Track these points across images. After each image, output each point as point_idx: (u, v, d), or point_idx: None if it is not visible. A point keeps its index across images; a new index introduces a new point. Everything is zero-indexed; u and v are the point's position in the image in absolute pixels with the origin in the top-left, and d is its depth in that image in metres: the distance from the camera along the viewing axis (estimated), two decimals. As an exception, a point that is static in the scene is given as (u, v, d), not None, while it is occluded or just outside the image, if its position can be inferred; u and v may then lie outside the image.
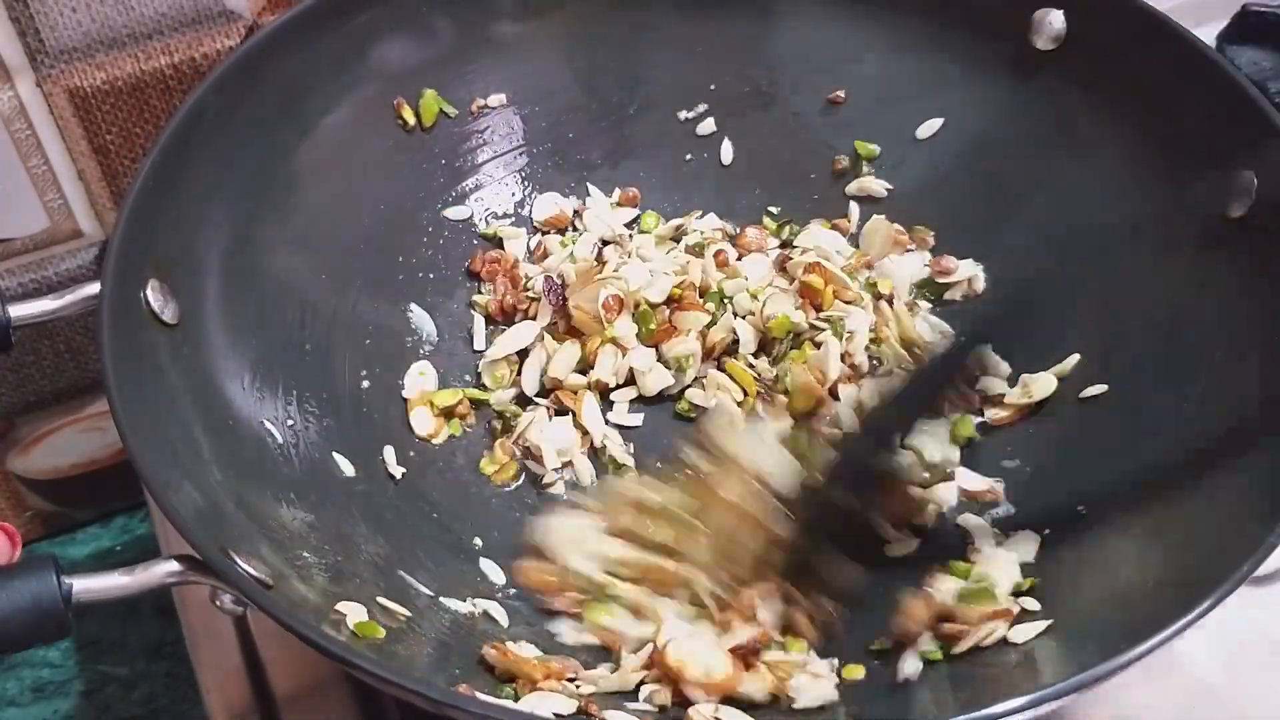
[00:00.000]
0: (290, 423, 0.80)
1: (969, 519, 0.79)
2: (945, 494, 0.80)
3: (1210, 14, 0.97)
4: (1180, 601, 0.60)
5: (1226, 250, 0.77)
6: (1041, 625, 0.68)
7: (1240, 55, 0.96)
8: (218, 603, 0.63)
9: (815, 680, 0.69)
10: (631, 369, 0.86)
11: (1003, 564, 0.74)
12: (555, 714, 0.66)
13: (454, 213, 0.93)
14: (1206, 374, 0.75)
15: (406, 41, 0.89)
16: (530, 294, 0.90)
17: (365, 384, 0.86)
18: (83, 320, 0.79)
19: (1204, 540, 0.67)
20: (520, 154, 0.95)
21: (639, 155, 0.96)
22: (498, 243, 0.94)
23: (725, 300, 0.88)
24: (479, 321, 0.90)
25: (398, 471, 0.83)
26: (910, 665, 0.69)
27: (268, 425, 0.79)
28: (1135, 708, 0.74)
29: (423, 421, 0.86)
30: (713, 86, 0.96)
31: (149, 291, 0.73)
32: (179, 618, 0.85)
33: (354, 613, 0.69)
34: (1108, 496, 0.75)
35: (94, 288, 0.70)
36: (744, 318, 0.87)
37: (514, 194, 0.95)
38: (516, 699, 0.67)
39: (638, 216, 0.94)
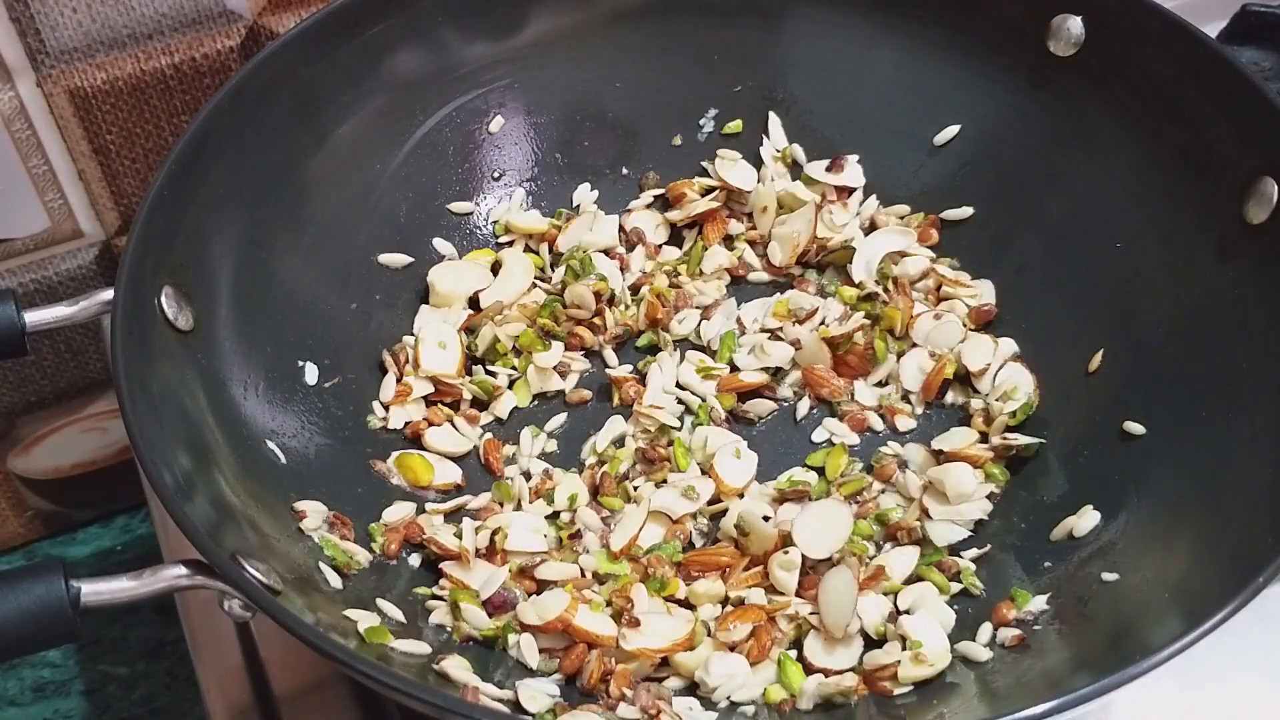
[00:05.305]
0: (303, 430, 0.81)
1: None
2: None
3: (1210, 14, 0.96)
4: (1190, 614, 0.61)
5: (1246, 258, 0.76)
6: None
7: (1240, 55, 0.96)
8: (225, 608, 0.63)
9: None
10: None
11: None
12: None
13: (458, 207, 0.94)
14: (1228, 383, 0.75)
15: (421, 52, 0.89)
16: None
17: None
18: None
19: (1221, 549, 0.67)
20: (532, 163, 0.95)
21: (650, 163, 0.96)
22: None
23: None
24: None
25: None
26: None
27: (279, 432, 0.79)
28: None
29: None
30: (725, 94, 0.96)
31: (163, 298, 0.73)
32: (179, 618, 0.85)
33: (363, 619, 0.70)
34: (1129, 502, 0.75)
35: (108, 294, 0.70)
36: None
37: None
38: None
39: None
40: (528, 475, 0.83)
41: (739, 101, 0.96)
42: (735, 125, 0.96)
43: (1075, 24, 0.85)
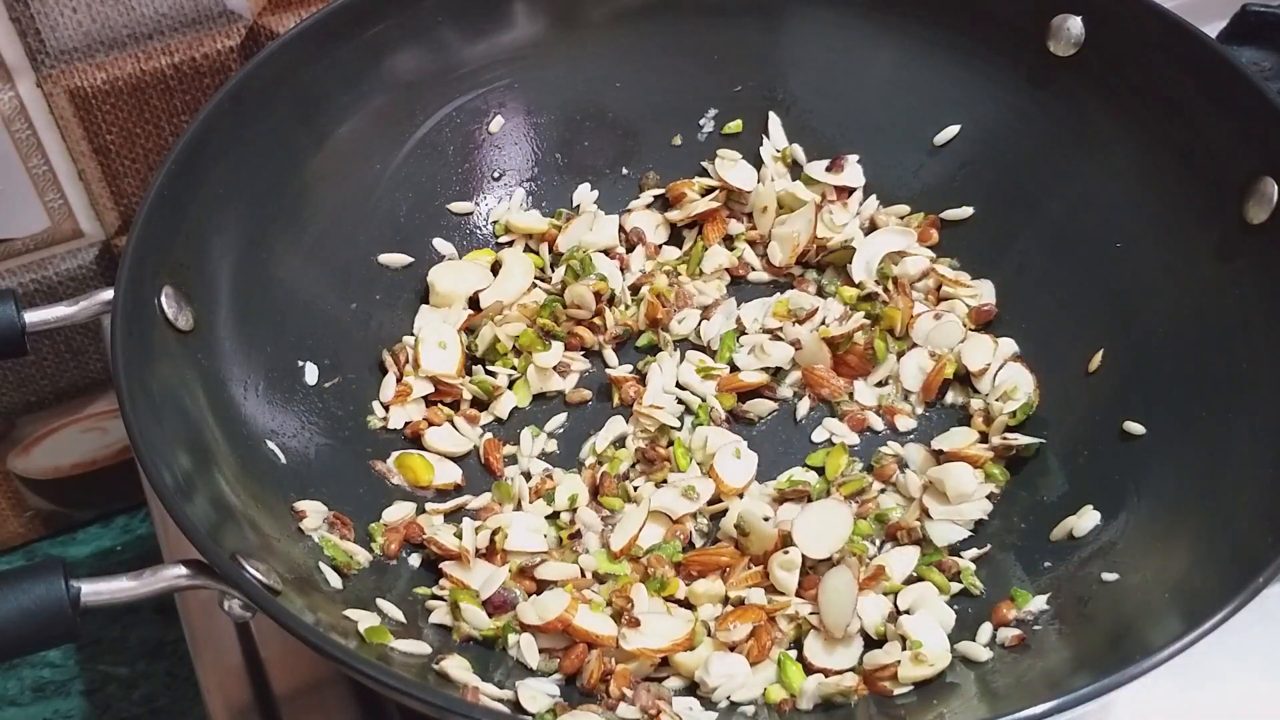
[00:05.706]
0: (303, 430, 0.81)
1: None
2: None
3: (1210, 14, 0.96)
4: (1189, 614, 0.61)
5: (1246, 258, 0.76)
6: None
7: (1240, 55, 0.96)
8: (225, 608, 0.63)
9: None
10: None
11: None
12: None
13: (458, 207, 0.94)
14: (1228, 383, 0.75)
15: (421, 52, 0.89)
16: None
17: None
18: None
19: (1221, 549, 0.67)
20: (532, 163, 0.95)
21: (650, 163, 0.96)
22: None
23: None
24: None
25: None
26: None
27: (279, 432, 0.79)
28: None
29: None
30: (725, 94, 0.96)
31: (163, 298, 0.73)
32: (179, 618, 0.85)
33: (363, 619, 0.70)
34: (1129, 502, 0.75)
35: (108, 294, 0.70)
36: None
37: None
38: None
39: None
40: (528, 475, 0.83)
41: (739, 101, 0.96)
42: (735, 125, 0.96)
43: (1075, 24, 0.85)
